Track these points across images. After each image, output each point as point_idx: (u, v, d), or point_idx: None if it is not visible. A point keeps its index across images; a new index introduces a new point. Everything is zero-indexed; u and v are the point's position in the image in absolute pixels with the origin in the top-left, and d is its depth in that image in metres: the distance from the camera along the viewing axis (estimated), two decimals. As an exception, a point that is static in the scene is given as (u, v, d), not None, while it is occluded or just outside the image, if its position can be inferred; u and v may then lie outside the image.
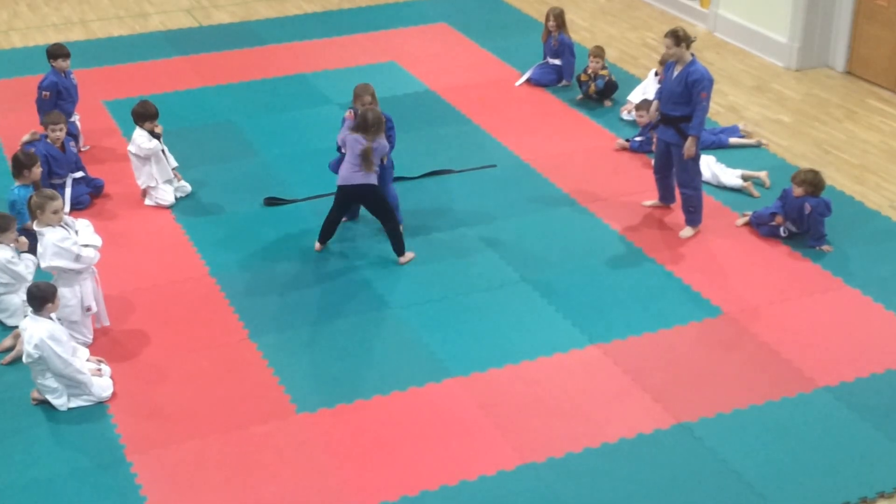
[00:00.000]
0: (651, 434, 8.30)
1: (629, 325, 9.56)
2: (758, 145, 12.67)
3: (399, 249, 10.45)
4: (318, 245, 10.66)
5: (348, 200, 10.47)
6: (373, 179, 10.20)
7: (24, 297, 9.24)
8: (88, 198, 11.52)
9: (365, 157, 10.04)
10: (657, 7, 17.35)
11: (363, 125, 10.12)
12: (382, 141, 10.21)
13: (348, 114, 10.74)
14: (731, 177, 11.73)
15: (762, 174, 11.81)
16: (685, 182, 10.76)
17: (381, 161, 10.37)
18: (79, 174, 11.47)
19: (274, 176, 12.17)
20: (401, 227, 10.66)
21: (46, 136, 11.23)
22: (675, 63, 10.51)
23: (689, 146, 10.48)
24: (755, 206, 11.21)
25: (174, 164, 11.72)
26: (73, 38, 16.12)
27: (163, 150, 11.51)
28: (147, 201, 11.56)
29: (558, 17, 14.19)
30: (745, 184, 11.66)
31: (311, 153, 12.66)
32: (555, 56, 14.34)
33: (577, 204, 11.52)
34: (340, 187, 10.33)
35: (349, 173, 10.18)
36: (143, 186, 11.57)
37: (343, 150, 10.44)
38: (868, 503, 7.71)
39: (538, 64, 14.52)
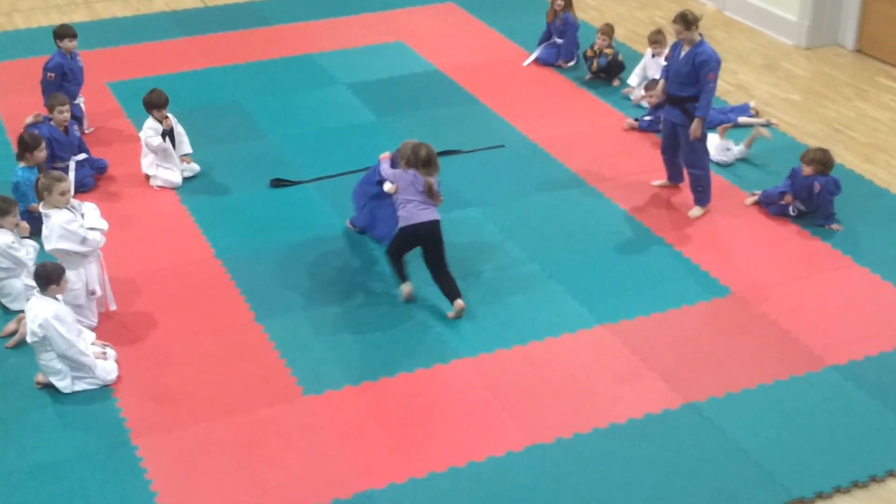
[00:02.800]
0: (659, 414, 8.26)
1: (637, 306, 9.51)
2: (767, 124, 12.59)
3: (453, 293, 9.53)
4: (409, 287, 9.67)
5: (416, 241, 9.54)
6: (436, 215, 9.46)
7: (27, 281, 9.25)
8: (93, 180, 11.48)
9: (430, 192, 9.38)
10: (665, -15, 17.26)
11: (418, 160, 9.42)
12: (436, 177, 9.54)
13: (385, 155, 10.04)
14: (727, 151, 11.72)
15: (763, 130, 11.86)
16: (692, 162, 10.70)
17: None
18: (82, 156, 11.43)
19: (280, 157, 12.12)
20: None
21: (50, 119, 11.18)
22: (682, 43, 10.43)
23: (695, 128, 10.41)
24: (764, 186, 11.15)
25: (188, 150, 11.68)
26: (77, 18, 16.05)
27: (171, 140, 11.47)
28: (152, 182, 11.50)
29: None
30: (760, 130, 11.80)
31: (318, 134, 12.61)
32: (561, 36, 14.25)
33: (586, 184, 11.46)
34: (410, 228, 9.43)
35: (414, 212, 9.40)
36: (143, 171, 11.54)
37: (383, 187, 9.87)
38: (878, 482, 7.67)
39: (545, 44, 14.43)
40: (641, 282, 9.85)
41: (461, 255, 10.24)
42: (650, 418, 8.23)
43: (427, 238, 9.51)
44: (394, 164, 9.85)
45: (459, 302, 9.46)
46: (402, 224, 9.51)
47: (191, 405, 8.45)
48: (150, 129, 11.38)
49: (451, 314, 9.49)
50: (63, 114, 11.13)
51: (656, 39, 13.12)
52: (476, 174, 11.67)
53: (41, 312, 8.35)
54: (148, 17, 16.30)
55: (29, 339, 8.48)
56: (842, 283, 9.82)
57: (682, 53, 10.41)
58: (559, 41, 14.28)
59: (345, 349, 9.06)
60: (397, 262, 9.68)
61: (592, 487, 7.59)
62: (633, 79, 13.41)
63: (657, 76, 12.92)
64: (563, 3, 14.11)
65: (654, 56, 13.10)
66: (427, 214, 9.45)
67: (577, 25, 14.24)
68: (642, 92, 12.99)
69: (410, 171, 9.45)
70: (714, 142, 11.71)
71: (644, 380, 8.64)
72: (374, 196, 10.33)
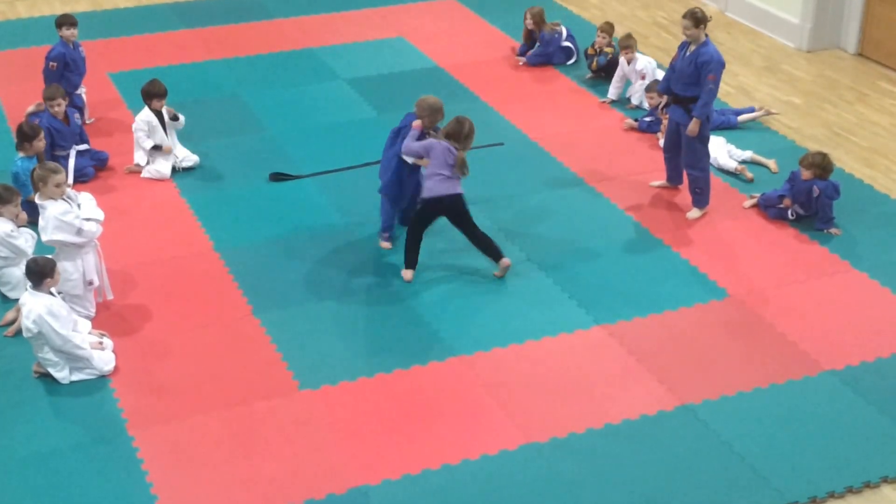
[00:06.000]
0: (654, 416, 8.27)
1: (635, 307, 9.52)
2: (765, 115, 12.62)
3: (498, 255, 9.89)
4: (409, 274, 9.87)
5: (435, 213, 9.80)
6: (459, 188, 9.69)
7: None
8: (93, 170, 11.49)
9: (461, 166, 9.57)
10: (668, -14, 17.26)
11: (458, 133, 9.58)
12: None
13: (416, 124, 9.86)
14: (728, 160, 11.64)
15: (770, 162, 11.73)
16: (692, 163, 10.70)
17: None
18: (83, 147, 11.44)
19: (280, 151, 12.12)
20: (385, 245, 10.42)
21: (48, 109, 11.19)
22: (689, 43, 10.43)
23: (691, 128, 10.41)
24: (763, 188, 11.15)
25: (178, 151, 11.68)
26: (80, 9, 16.05)
27: (164, 126, 11.50)
28: (144, 174, 11.52)
29: (536, 16, 14.11)
30: (741, 167, 11.57)
31: (318, 129, 12.62)
32: (547, 46, 14.24)
33: (585, 183, 11.47)
34: (433, 200, 9.65)
35: (435, 184, 9.58)
36: (135, 161, 11.59)
37: (410, 159, 9.91)
38: (871, 487, 7.68)
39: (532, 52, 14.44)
40: (639, 283, 9.86)
41: (458, 252, 10.25)
42: (645, 419, 8.23)
43: (449, 210, 9.77)
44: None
45: (505, 260, 9.84)
46: (425, 195, 9.71)
47: (187, 397, 8.45)
48: (143, 125, 11.41)
49: (496, 273, 9.87)
50: (56, 108, 11.08)
51: (627, 45, 13.08)
52: (475, 172, 11.54)
53: (35, 309, 8.34)
54: (150, 8, 16.30)
55: (25, 335, 8.47)
56: (840, 288, 9.82)
57: (688, 53, 10.41)
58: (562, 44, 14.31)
59: (341, 344, 9.07)
60: (414, 243, 9.82)
61: (586, 487, 7.60)
62: (612, 91, 13.29)
63: (637, 80, 12.97)
64: (532, 21, 14.08)
65: (629, 63, 13.07)
66: (450, 187, 9.65)
67: (556, 41, 14.19)
68: (634, 101, 13.00)
69: (444, 143, 9.57)
70: (719, 146, 11.71)
71: (640, 381, 8.65)
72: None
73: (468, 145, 9.69)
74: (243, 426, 8.15)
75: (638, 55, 13.10)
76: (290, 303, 9.57)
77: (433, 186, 9.63)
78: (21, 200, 9.59)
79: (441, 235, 10.41)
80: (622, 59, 13.16)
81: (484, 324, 9.31)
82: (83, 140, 11.51)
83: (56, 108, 11.12)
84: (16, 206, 9.45)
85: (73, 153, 11.25)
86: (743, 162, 11.68)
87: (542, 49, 14.20)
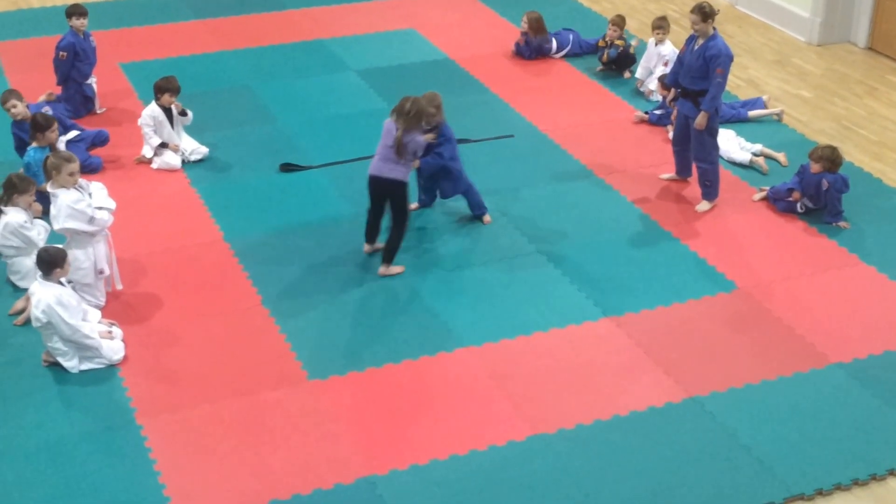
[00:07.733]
0: (662, 407, 8.28)
1: (643, 299, 9.53)
2: (779, 115, 12.59)
3: (389, 257, 9.82)
4: (366, 247, 10.06)
5: (370, 191, 9.74)
6: (399, 174, 9.53)
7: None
8: (100, 160, 11.49)
9: (397, 147, 9.36)
10: (679, -21, 17.24)
11: (399, 110, 9.45)
12: (417, 137, 9.47)
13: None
14: (740, 153, 11.65)
15: (780, 155, 11.72)
16: (701, 156, 10.71)
17: (415, 155, 9.68)
18: (72, 134, 11.30)
19: (290, 142, 12.15)
20: (486, 218, 10.57)
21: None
22: (697, 36, 10.43)
23: (699, 121, 10.42)
24: (772, 182, 11.15)
25: (187, 145, 11.69)
26: (92, -1, 16.09)
27: (170, 120, 11.52)
28: (153, 165, 11.56)
29: (538, 22, 14.12)
30: (757, 158, 11.58)
31: (328, 120, 12.63)
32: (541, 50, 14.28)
33: (594, 176, 11.47)
34: (368, 177, 9.68)
35: (376, 161, 9.57)
36: (142, 153, 11.61)
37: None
38: (878, 480, 7.70)
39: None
40: (647, 275, 9.87)
41: (467, 244, 10.27)
42: (653, 411, 8.25)
43: (374, 191, 9.69)
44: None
45: (392, 269, 9.81)
46: (369, 171, 9.69)
47: (196, 386, 8.49)
48: (149, 120, 11.46)
49: (379, 271, 9.86)
50: (13, 110, 10.88)
51: (659, 25, 13.08)
52: (485, 164, 11.68)
53: (44, 298, 8.38)
54: (161, -2, 16.36)
55: (34, 325, 8.51)
56: (848, 281, 9.83)
57: (696, 46, 10.41)
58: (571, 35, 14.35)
59: (350, 335, 9.10)
60: (370, 221, 9.89)
61: (593, 478, 7.63)
62: (640, 71, 13.40)
63: (659, 66, 12.95)
64: (530, 28, 14.07)
65: (657, 44, 13.07)
66: (377, 167, 9.57)
67: (548, 39, 14.26)
68: (651, 86, 13.01)
69: (390, 120, 9.53)
70: (729, 139, 11.70)
71: (647, 373, 8.66)
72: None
73: (412, 126, 9.40)
74: (252, 416, 8.19)
75: (667, 41, 13.10)
76: (299, 293, 9.60)
77: (374, 163, 9.62)
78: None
79: (447, 229, 10.44)
80: (651, 40, 13.16)
81: (492, 315, 9.33)
82: (69, 128, 11.39)
83: (13, 111, 10.95)
84: (30, 196, 9.50)
85: (61, 145, 11.06)
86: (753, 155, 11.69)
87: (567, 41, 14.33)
